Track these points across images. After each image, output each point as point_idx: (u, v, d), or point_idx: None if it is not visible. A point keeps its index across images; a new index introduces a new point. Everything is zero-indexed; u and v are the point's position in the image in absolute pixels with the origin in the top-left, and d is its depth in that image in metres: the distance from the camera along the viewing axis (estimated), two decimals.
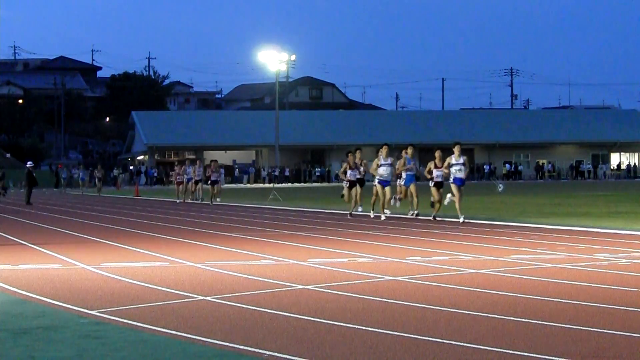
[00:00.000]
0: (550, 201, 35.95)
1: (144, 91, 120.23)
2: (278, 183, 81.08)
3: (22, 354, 7.44)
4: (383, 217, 25.57)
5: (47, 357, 7.34)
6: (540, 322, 8.55)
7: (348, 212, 27.49)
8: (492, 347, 7.44)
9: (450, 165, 23.81)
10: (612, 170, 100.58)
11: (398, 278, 11.93)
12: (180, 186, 44.05)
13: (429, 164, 24.88)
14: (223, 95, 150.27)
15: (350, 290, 10.86)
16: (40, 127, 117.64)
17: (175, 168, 45.80)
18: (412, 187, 26.20)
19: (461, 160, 23.83)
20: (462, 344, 7.57)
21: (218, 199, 39.29)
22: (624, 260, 13.85)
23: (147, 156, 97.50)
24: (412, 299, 10.05)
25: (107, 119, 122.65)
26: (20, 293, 10.95)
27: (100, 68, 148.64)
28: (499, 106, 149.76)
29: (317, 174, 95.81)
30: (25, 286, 11.51)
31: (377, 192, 26.14)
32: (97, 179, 59.43)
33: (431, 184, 24.51)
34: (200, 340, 7.88)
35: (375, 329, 8.26)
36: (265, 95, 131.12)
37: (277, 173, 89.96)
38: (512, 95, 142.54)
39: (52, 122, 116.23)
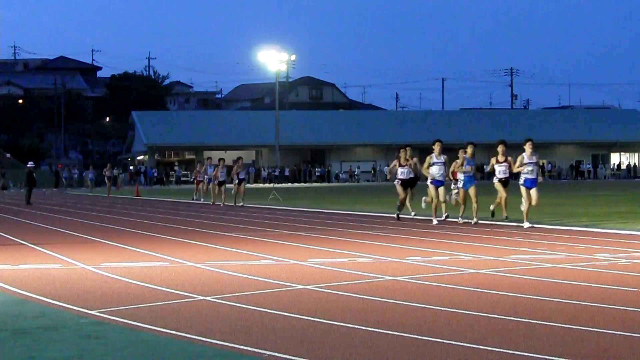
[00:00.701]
0: (550, 201, 35.94)
1: (144, 91, 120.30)
2: (278, 183, 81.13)
3: (22, 354, 7.44)
4: (435, 222, 23.07)
5: (47, 357, 7.34)
6: (540, 322, 8.55)
7: (396, 214, 25.13)
8: (492, 347, 7.44)
9: (522, 164, 21.79)
10: (611, 170, 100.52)
11: (398, 278, 11.93)
12: (200, 185, 42.34)
13: (492, 160, 23.74)
14: (223, 95, 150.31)
15: (350, 290, 10.86)
16: (40, 127, 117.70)
17: (197, 166, 44.02)
18: (472, 191, 23.27)
19: (504, 162, 23.25)
20: (462, 344, 7.58)
21: (241, 202, 36.76)
22: (624, 260, 13.85)
23: (147, 156, 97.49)
24: (412, 299, 10.05)
25: (107, 119, 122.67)
26: (20, 293, 10.95)
27: (100, 68, 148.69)
28: (499, 106, 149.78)
29: (317, 174, 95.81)
30: (25, 286, 11.51)
31: (433, 194, 23.79)
32: (107, 179, 57.93)
33: (495, 180, 23.39)
34: (200, 340, 7.88)
35: (375, 329, 8.26)
36: (265, 95, 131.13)
37: (277, 173, 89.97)
38: (512, 95, 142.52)
39: (52, 122, 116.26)
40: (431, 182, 23.74)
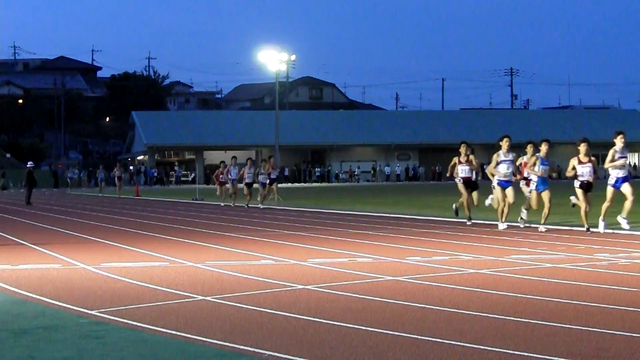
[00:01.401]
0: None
1: (144, 91, 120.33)
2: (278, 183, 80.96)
3: (22, 354, 7.44)
4: (502, 227, 20.96)
5: (47, 357, 7.34)
6: (540, 322, 8.55)
7: (467, 218, 22.83)
8: (492, 347, 7.44)
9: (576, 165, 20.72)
10: None
11: (398, 278, 11.93)
12: (224, 187, 38.77)
13: (571, 161, 21.26)
14: (223, 95, 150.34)
15: (350, 290, 10.86)
16: (40, 127, 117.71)
17: (220, 166, 39.83)
18: (545, 195, 20.75)
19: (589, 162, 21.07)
20: (462, 344, 7.58)
21: (261, 204, 34.93)
22: (624, 260, 13.85)
23: (147, 156, 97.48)
24: (412, 299, 10.05)
25: (107, 119, 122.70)
26: (20, 293, 10.95)
27: (100, 68, 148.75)
28: (499, 106, 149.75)
29: (317, 174, 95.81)
30: (25, 286, 11.51)
31: (500, 196, 21.29)
32: (117, 179, 55.63)
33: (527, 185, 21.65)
34: (200, 340, 7.88)
35: (375, 329, 8.26)
36: (265, 95, 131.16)
37: (277, 173, 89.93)
38: (512, 95, 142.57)
39: (52, 122, 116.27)
40: (498, 183, 21.30)
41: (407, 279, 11.89)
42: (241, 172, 36.25)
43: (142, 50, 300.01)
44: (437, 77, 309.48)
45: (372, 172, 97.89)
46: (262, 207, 34.44)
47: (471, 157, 22.94)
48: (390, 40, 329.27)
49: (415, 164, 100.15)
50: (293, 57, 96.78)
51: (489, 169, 21.86)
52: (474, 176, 23.02)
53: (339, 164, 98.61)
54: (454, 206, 24.17)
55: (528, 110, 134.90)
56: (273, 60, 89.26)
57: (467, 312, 9.17)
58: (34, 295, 10.69)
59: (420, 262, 13.96)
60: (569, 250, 15.59)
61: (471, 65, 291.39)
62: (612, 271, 12.55)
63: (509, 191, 21.18)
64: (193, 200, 44.29)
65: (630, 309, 9.28)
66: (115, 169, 57.64)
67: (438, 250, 15.77)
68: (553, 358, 7.01)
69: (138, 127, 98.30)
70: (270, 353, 7.30)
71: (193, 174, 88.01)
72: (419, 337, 7.90)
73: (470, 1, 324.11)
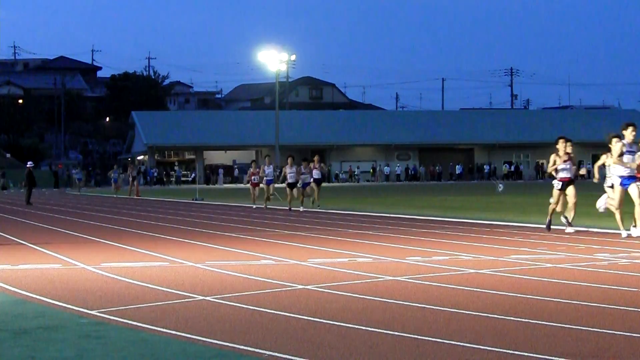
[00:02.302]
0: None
1: (144, 91, 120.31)
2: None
3: (22, 354, 7.44)
4: (626, 234, 18.14)
5: (47, 357, 7.34)
6: (540, 322, 8.55)
7: (566, 223, 19.99)
8: (492, 347, 7.44)
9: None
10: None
11: (398, 278, 11.93)
12: (257, 188, 35.35)
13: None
14: (223, 95, 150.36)
15: (350, 290, 10.85)
16: (40, 127, 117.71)
17: (252, 166, 36.25)
18: (634, 190, 18.04)
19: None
20: (462, 344, 7.57)
21: (301, 206, 31.76)
22: (624, 260, 13.85)
23: (147, 156, 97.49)
24: (412, 299, 10.05)
25: (107, 119, 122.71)
26: (20, 293, 10.95)
27: (100, 68, 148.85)
28: (499, 106, 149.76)
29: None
30: (25, 286, 11.51)
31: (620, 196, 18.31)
32: (131, 178, 53.81)
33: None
34: (200, 340, 7.88)
35: (375, 329, 8.26)
36: (265, 95, 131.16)
37: (277, 173, 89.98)
38: (512, 95, 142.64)
39: (52, 122, 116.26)
40: (620, 183, 18.37)
41: (407, 279, 11.89)
42: (283, 172, 33.58)
43: (142, 50, 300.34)
44: (437, 77, 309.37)
45: (371, 172, 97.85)
46: (302, 209, 31.23)
47: (572, 154, 20.75)
48: (390, 40, 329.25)
49: (415, 164, 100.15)
50: (293, 57, 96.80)
51: (612, 162, 18.55)
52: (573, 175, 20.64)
53: (339, 164, 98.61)
54: (562, 219, 20.35)
55: (528, 110, 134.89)
56: (273, 60, 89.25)
57: (467, 312, 9.16)
58: (34, 295, 10.68)
59: (420, 262, 13.96)
60: (569, 250, 15.58)
61: (471, 65, 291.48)
62: (612, 271, 12.55)
63: (634, 189, 18.04)
64: (193, 200, 44.29)
65: (630, 309, 9.28)
66: (130, 169, 55.70)
67: (438, 250, 15.77)
68: (553, 358, 7.01)
69: (138, 127, 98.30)
70: (270, 353, 7.30)
71: (193, 174, 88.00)
72: (419, 337, 7.89)
73: (470, 1, 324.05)
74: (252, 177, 35.62)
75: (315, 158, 32.73)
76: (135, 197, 52.18)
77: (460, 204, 34.72)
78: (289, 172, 32.30)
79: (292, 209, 31.54)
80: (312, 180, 32.69)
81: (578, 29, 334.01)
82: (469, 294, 10.46)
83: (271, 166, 34.93)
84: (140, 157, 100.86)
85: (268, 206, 33.89)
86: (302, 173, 32.76)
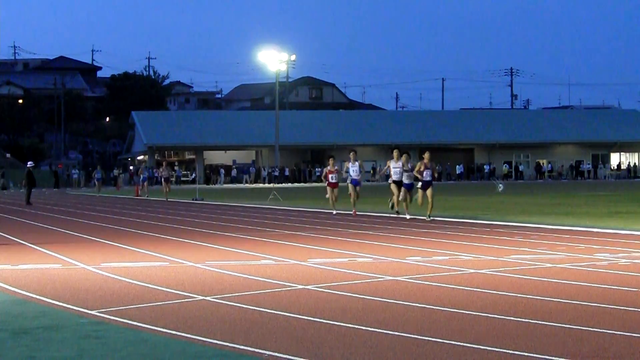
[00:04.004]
0: (550, 201, 35.96)
1: (144, 91, 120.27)
2: (278, 183, 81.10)
3: (22, 354, 7.44)
4: None
5: (47, 357, 7.34)
6: (540, 322, 8.55)
7: None
8: (492, 347, 7.44)
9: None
10: (612, 170, 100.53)
11: (398, 278, 11.93)
12: (335, 190, 29.86)
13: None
14: (223, 95, 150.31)
15: (350, 290, 10.86)
16: (40, 127, 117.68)
17: (329, 163, 30.70)
18: None
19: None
20: (462, 344, 7.58)
21: (407, 213, 26.20)
22: (624, 260, 13.85)
23: (147, 156, 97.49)
24: (412, 299, 10.05)
25: (107, 119, 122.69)
26: (20, 293, 10.95)
27: (100, 68, 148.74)
28: (499, 106, 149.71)
29: (317, 174, 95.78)
30: (25, 286, 11.51)
31: None
32: (163, 180, 47.71)
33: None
34: (200, 340, 7.88)
35: (375, 329, 8.26)
36: (265, 95, 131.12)
37: (277, 173, 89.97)
38: (512, 95, 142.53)
39: (52, 122, 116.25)
40: None
41: (407, 279, 11.89)
42: (385, 167, 28.12)
43: (142, 50, 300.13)
44: (437, 77, 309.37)
45: (371, 172, 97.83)
46: (408, 216, 25.81)
47: None
48: (390, 40, 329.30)
49: (415, 164, 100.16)
50: (293, 57, 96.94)
51: None
52: None
53: (339, 164, 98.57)
54: None
55: (528, 110, 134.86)
56: (273, 60, 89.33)
57: (467, 312, 9.17)
58: (34, 295, 10.69)
59: (420, 262, 13.96)
60: (569, 250, 15.58)
61: (471, 65, 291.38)
62: (612, 271, 12.55)
63: None
64: (193, 200, 44.28)
65: (630, 309, 9.29)
66: (162, 169, 49.71)
67: (438, 250, 15.77)
68: (553, 358, 7.01)
69: (138, 127, 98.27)
70: (270, 353, 7.30)
71: (193, 174, 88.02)
72: (419, 337, 7.90)
73: (471, 1, 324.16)
74: (330, 176, 30.08)
75: (426, 155, 26.24)
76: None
77: (460, 204, 34.71)
78: (394, 167, 26.95)
79: (400, 214, 26.48)
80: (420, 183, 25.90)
81: (578, 29, 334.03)
82: (469, 294, 10.46)
83: (357, 163, 29.36)
84: (140, 157, 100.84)
85: (357, 212, 28.31)
86: (408, 170, 26.86)
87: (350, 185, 28.85)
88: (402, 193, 26.66)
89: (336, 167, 30.35)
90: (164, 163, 50.26)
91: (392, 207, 26.94)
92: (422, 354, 7.25)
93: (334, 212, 28.91)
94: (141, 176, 53.87)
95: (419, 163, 25.98)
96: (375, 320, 8.74)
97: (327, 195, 29.96)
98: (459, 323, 8.57)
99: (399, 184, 26.69)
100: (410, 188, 26.66)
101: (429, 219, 24.39)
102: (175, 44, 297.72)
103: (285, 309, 9.44)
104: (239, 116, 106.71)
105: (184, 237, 19.73)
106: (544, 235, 19.05)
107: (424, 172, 25.38)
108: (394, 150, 27.49)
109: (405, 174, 26.67)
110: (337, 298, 10.27)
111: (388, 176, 27.52)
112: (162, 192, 48.07)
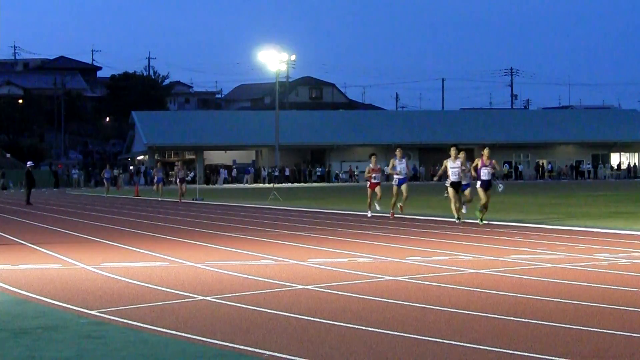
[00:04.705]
0: (550, 201, 35.95)
1: (144, 91, 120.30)
2: (278, 183, 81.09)
3: (22, 354, 7.44)
4: None
5: (47, 357, 7.34)
6: (540, 322, 8.55)
7: None
8: (492, 347, 7.44)
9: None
10: (612, 170, 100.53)
11: (398, 278, 11.93)
12: (377, 189, 27.44)
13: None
14: (223, 95, 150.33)
15: (350, 290, 10.86)
16: (40, 127, 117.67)
17: (371, 160, 28.14)
18: None
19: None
20: (462, 344, 7.58)
21: (480, 219, 22.95)
22: (624, 260, 13.86)
23: (147, 156, 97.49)
24: (412, 299, 10.05)
25: (107, 119, 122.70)
26: (20, 293, 10.95)
27: (100, 68, 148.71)
28: (499, 106, 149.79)
29: (317, 174, 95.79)
30: (25, 286, 11.51)
31: None
32: (178, 180, 44.54)
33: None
34: (200, 340, 7.89)
35: (375, 329, 8.26)
36: (265, 95, 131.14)
37: (277, 173, 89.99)
38: (512, 95, 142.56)
39: (52, 122, 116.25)
40: None
41: (407, 279, 11.89)
42: (443, 167, 24.49)
43: (142, 50, 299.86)
44: (437, 77, 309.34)
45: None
46: (481, 222, 22.71)
47: None
48: (390, 40, 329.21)
49: (415, 164, 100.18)
50: (293, 57, 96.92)
51: None
52: None
53: (339, 164, 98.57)
54: None
55: (528, 110, 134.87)
56: (273, 60, 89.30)
57: (467, 312, 9.17)
58: (34, 295, 10.69)
59: (420, 262, 13.96)
60: (569, 250, 15.59)
61: (471, 65, 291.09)
62: (612, 271, 12.55)
63: None
64: (193, 200, 44.26)
65: (630, 309, 9.29)
66: (177, 169, 46.84)
67: (438, 250, 15.77)
68: (553, 358, 7.01)
69: (138, 127, 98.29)
70: (270, 353, 7.30)
71: (193, 174, 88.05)
72: (419, 337, 7.90)
73: (470, 1, 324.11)
74: (373, 176, 27.49)
75: (486, 152, 23.71)
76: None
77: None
78: (452, 166, 23.86)
79: (461, 219, 23.50)
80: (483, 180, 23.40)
81: (578, 29, 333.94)
82: (469, 294, 10.46)
83: (404, 160, 26.84)
84: (140, 157, 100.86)
85: (396, 214, 26.20)
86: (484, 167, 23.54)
87: (395, 187, 26.16)
88: (466, 195, 24.17)
89: (379, 166, 27.98)
90: (179, 163, 45.95)
91: (459, 218, 23.47)
92: (422, 354, 7.25)
93: (369, 214, 26.73)
94: (155, 177, 51.26)
95: (476, 160, 23.91)
96: (375, 320, 8.74)
97: (376, 200, 27.16)
98: (459, 323, 8.57)
99: (457, 185, 23.77)
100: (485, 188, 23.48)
101: (481, 223, 22.32)
102: (175, 44, 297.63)
103: (285, 309, 9.44)
104: (239, 116, 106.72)
105: (184, 237, 19.73)
106: (544, 235, 19.06)
107: (482, 170, 23.30)
108: (452, 148, 24.10)
109: (463, 175, 23.91)
110: (337, 298, 10.28)
111: (444, 176, 24.64)
112: (166, 193, 47.93)
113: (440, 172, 25.14)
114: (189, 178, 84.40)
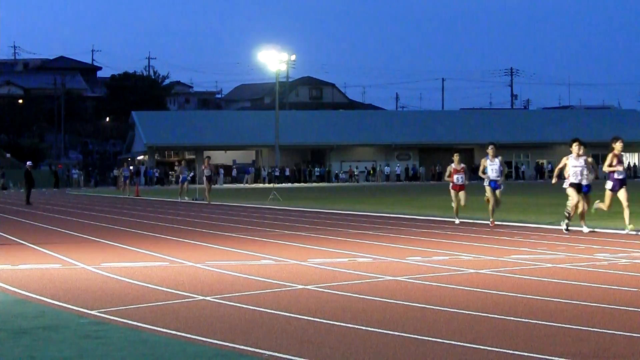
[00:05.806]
0: (550, 201, 35.93)
1: (144, 91, 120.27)
2: (278, 183, 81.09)
3: (22, 354, 7.44)
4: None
5: (47, 357, 7.34)
6: (540, 322, 8.55)
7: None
8: (492, 347, 7.44)
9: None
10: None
11: (398, 278, 11.93)
12: (460, 194, 23.88)
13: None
14: (223, 95, 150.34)
15: (350, 290, 10.85)
16: (40, 127, 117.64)
17: (454, 159, 24.32)
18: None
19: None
20: (462, 344, 7.57)
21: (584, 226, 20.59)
22: (623, 260, 13.85)
23: (147, 156, 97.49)
24: (412, 299, 10.05)
25: (107, 119, 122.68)
26: (20, 293, 10.95)
27: (100, 68, 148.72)
28: (499, 106, 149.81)
29: (317, 174, 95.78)
30: (25, 286, 11.51)
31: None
32: (205, 179, 42.49)
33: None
34: (200, 340, 7.88)
35: (375, 329, 8.26)
36: (265, 95, 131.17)
37: (277, 173, 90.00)
38: (512, 95, 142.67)
39: (52, 122, 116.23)
40: None
41: (407, 279, 11.89)
42: (561, 166, 20.98)
43: (142, 50, 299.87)
44: (437, 77, 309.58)
45: (370, 172, 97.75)
46: (586, 230, 20.19)
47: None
48: (390, 40, 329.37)
49: (415, 164, 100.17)
50: (293, 57, 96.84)
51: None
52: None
53: (339, 164, 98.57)
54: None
55: (528, 110, 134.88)
56: (273, 60, 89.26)
57: (467, 312, 9.17)
58: (34, 295, 10.69)
59: (420, 262, 13.96)
60: (569, 250, 15.58)
61: (471, 65, 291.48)
62: (612, 271, 12.55)
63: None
64: (193, 200, 44.25)
65: (630, 309, 9.28)
66: (204, 167, 43.74)
67: (438, 250, 15.77)
68: (553, 358, 7.01)
69: (138, 127, 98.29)
70: (270, 353, 7.30)
71: (192, 174, 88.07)
72: (419, 337, 7.90)
73: (471, 1, 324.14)
74: (455, 177, 24.07)
75: (618, 144, 20.51)
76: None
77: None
78: (574, 165, 20.72)
79: (570, 227, 20.47)
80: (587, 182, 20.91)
81: (578, 29, 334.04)
82: (469, 294, 10.46)
83: (497, 159, 23.15)
84: (140, 157, 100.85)
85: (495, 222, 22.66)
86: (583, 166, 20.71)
87: (488, 187, 22.80)
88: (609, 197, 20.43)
89: (463, 166, 24.36)
90: (206, 160, 43.31)
91: (567, 226, 20.40)
92: (422, 354, 7.25)
93: (457, 220, 23.27)
94: (181, 176, 48.83)
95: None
96: (375, 320, 8.74)
97: (453, 204, 23.89)
98: (459, 323, 8.57)
99: (578, 187, 20.61)
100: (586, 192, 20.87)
101: (633, 232, 19.18)
102: (175, 44, 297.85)
103: (285, 309, 9.44)
104: (239, 116, 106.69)
105: (184, 237, 19.73)
106: (544, 235, 19.05)
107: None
108: (573, 144, 20.46)
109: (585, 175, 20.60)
110: (337, 298, 10.27)
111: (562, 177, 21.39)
112: (175, 192, 47.92)
113: (556, 171, 21.61)
114: (189, 178, 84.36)
